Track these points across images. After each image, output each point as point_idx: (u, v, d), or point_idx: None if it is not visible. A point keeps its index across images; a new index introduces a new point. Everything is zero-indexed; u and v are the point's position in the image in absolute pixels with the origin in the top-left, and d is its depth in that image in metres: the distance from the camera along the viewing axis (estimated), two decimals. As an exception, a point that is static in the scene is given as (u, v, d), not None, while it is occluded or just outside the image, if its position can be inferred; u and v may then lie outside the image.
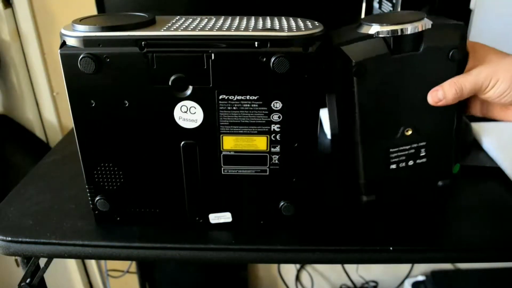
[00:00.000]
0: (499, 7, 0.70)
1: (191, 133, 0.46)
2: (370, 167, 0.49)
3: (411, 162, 0.50)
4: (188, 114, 0.45)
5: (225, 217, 0.52)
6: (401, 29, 0.44)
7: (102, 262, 1.26)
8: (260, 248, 0.50)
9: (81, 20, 0.46)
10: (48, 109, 1.06)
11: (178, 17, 0.50)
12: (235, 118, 0.46)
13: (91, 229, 0.52)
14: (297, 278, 1.35)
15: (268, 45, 0.42)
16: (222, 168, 0.49)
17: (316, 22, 0.47)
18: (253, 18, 0.50)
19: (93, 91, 0.45)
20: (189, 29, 0.44)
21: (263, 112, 0.45)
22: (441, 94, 0.46)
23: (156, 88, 0.44)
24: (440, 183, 0.51)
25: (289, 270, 1.34)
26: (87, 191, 0.50)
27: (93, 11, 0.82)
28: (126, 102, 0.45)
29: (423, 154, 0.50)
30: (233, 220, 0.52)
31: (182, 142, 0.47)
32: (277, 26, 0.45)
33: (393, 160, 0.49)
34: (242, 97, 0.44)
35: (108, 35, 0.43)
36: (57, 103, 1.07)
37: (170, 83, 0.44)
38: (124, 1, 0.83)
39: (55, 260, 0.58)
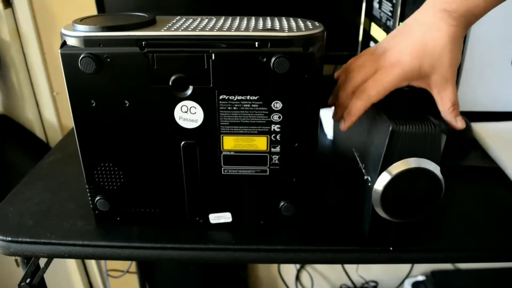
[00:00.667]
0: (500, 7, 0.70)
1: (191, 133, 0.46)
2: None
3: None
4: (189, 114, 0.45)
5: (225, 217, 0.52)
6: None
7: (102, 262, 1.26)
8: (260, 248, 0.50)
9: (82, 20, 0.46)
10: (48, 109, 1.06)
11: (179, 17, 0.50)
12: (235, 118, 0.46)
13: (91, 229, 0.52)
14: (297, 278, 1.35)
15: (269, 45, 0.42)
16: (222, 168, 0.49)
17: (316, 22, 0.47)
18: (253, 18, 0.50)
19: (93, 91, 0.45)
20: (190, 29, 0.44)
21: (263, 112, 0.45)
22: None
23: (157, 88, 0.44)
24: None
25: (289, 270, 1.34)
26: (87, 191, 0.50)
27: (93, 11, 0.82)
28: (127, 102, 0.45)
29: None
30: (233, 220, 0.52)
31: (183, 142, 0.47)
32: (277, 26, 0.45)
33: None
34: (242, 97, 0.44)
35: (109, 35, 0.43)
36: (57, 103, 1.07)
37: (170, 83, 0.44)
38: (124, 1, 0.83)
39: (55, 260, 0.58)
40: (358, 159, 0.51)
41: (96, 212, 0.52)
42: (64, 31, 0.44)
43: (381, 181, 0.44)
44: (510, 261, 0.52)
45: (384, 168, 0.44)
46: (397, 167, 0.44)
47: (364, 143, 0.50)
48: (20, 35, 0.98)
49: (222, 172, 0.49)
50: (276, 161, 0.48)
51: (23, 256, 0.52)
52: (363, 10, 0.86)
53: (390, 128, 0.43)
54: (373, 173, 0.46)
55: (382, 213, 0.46)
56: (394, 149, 0.44)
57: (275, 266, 1.33)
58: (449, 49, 0.45)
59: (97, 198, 0.50)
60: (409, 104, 0.49)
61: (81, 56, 0.42)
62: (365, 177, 0.48)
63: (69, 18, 0.46)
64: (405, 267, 1.30)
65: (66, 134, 0.83)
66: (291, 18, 0.50)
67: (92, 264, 1.27)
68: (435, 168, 0.44)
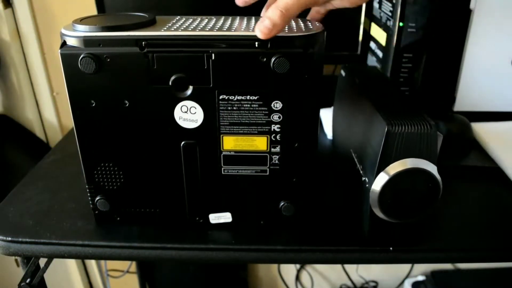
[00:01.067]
0: (500, 7, 0.70)
1: (191, 133, 0.46)
2: None
3: None
4: (188, 114, 0.45)
5: (225, 217, 0.52)
6: None
7: (102, 262, 1.26)
8: (260, 248, 0.50)
9: (82, 20, 0.46)
10: (48, 109, 1.06)
11: (178, 17, 0.50)
12: (235, 118, 0.46)
13: (91, 229, 0.52)
14: (297, 278, 1.35)
15: (269, 45, 0.42)
16: (222, 168, 0.49)
17: (316, 23, 0.47)
18: (253, 18, 0.50)
19: (93, 91, 0.45)
20: (190, 29, 0.44)
21: (263, 112, 0.45)
22: (268, 23, 0.41)
23: (156, 88, 0.44)
24: None
25: (289, 270, 1.34)
26: (87, 191, 0.50)
27: (93, 11, 0.82)
28: (126, 102, 0.45)
29: None
30: (233, 220, 0.52)
31: (183, 142, 0.47)
32: (277, 26, 0.45)
33: None
34: (242, 97, 0.44)
35: (109, 35, 0.43)
36: (57, 103, 1.07)
37: (170, 83, 0.44)
38: (124, 1, 0.83)
39: (55, 260, 0.58)
40: (356, 160, 0.51)
41: (96, 212, 0.52)
42: (64, 31, 0.44)
43: (378, 182, 0.44)
44: (510, 261, 0.52)
45: (380, 169, 0.44)
46: (394, 167, 0.44)
47: (361, 144, 0.50)
48: (20, 35, 0.98)
49: (222, 172, 0.49)
50: (276, 161, 0.48)
51: (23, 256, 0.52)
52: (363, 10, 0.86)
53: (386, 129, 0.43)
54: (370, 174, 0.46)
55: (380, 214, 0.46)
56: (390, 150, 0.43)
57: (275, 266, 1.33)
58: None
59: (97, 198, 0.50)
60: (405, 105, 0.49)
61: (81, 56, 0.42)
62: (363, 178, 0.48)
63: (69, 18, 0.46)
64: (405, 267, 1.30)
65: (66, 134, 0.83)
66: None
67: (92, 264, 1.27)
68: (432, 168, 0.44)
